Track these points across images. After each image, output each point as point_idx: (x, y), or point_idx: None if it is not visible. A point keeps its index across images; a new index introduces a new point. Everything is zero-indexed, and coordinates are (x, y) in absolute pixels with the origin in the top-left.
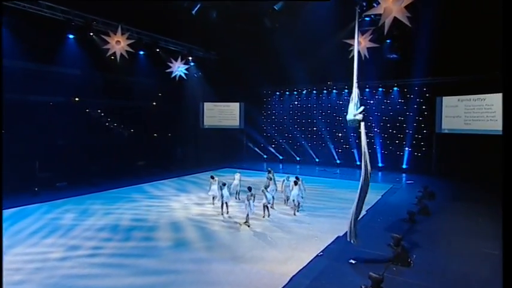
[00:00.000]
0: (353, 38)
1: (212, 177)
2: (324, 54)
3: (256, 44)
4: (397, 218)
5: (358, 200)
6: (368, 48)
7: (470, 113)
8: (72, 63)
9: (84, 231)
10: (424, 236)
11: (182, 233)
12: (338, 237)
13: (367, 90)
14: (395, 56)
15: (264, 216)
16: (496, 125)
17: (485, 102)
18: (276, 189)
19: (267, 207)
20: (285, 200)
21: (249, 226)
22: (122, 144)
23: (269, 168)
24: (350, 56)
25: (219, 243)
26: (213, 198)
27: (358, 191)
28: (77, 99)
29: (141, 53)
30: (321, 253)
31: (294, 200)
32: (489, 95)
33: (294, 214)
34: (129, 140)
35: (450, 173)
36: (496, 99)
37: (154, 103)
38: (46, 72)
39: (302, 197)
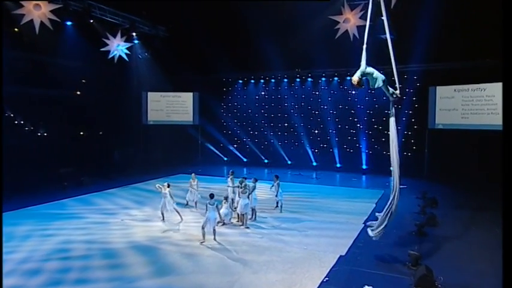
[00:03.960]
0: (340, 14)
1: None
2: (300, 34)
3: (217, 19)
4: (401, 230)
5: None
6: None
7: (468, 105)
8: None
9: (13, 269)
10: (441, 252)
11: (128, 268)
12: (341, 256)
13: (348, 78)
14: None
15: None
16: (497, 119)
17: (486, 92)
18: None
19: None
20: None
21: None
22: (35, 146)
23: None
24: (336, 36)
25: (188, 277)
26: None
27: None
28: None
29: (69, 23)
30: (326, 278)
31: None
32: (490, 84)
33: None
34: (45, 141)
35: (445, 175)
36: (497, 90)
37: (78, 92)
38: None
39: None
